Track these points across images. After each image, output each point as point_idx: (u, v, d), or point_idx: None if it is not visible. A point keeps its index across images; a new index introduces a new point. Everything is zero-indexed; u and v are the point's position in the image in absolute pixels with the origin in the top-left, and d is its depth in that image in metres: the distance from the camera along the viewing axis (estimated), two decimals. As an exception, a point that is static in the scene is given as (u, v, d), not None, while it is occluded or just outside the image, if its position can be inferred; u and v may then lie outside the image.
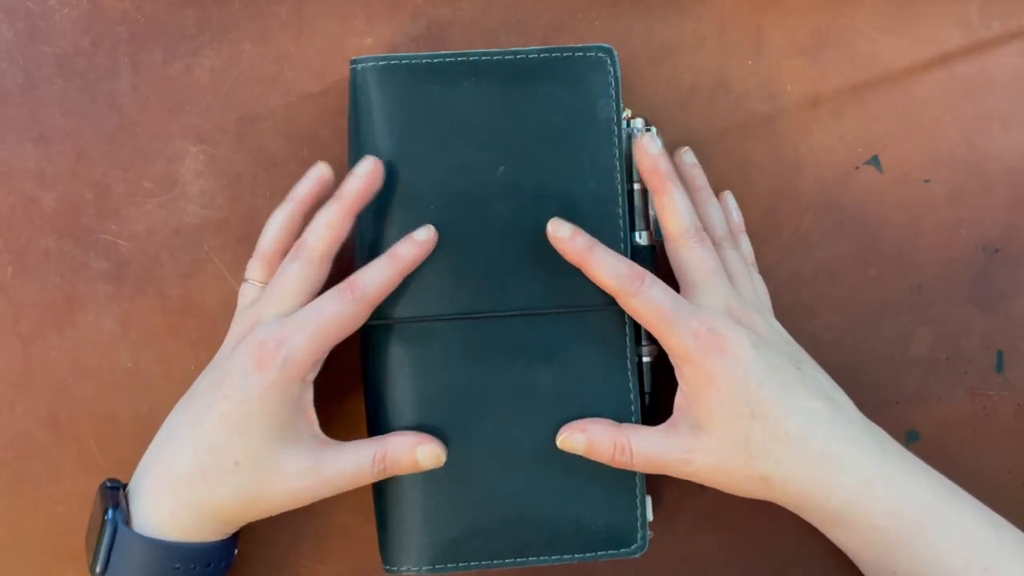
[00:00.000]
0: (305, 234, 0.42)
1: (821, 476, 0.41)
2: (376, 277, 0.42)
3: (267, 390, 0.40)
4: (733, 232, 0.47)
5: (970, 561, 0.40)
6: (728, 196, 0.48)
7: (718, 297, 0.42)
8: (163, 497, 0.41)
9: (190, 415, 0.42)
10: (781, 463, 0.41)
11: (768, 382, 0.41)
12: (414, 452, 0.42)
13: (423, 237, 0.43)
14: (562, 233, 0.42)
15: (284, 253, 0.43)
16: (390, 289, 0.42)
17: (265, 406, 0.40)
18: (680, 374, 0.42)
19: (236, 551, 0.44)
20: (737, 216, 0.48)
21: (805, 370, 0.42)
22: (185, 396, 0.43)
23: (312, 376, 0.42)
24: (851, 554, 0.44)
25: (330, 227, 0.42)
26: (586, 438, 0.43)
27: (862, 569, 0.45)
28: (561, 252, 0.43)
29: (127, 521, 0.41)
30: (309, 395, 0.42)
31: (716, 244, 0.45)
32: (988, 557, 0.41)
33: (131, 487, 0.42)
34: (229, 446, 0.40)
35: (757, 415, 0.40)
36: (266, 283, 0.44)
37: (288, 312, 0.41)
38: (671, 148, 0.48)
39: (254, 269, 0.44)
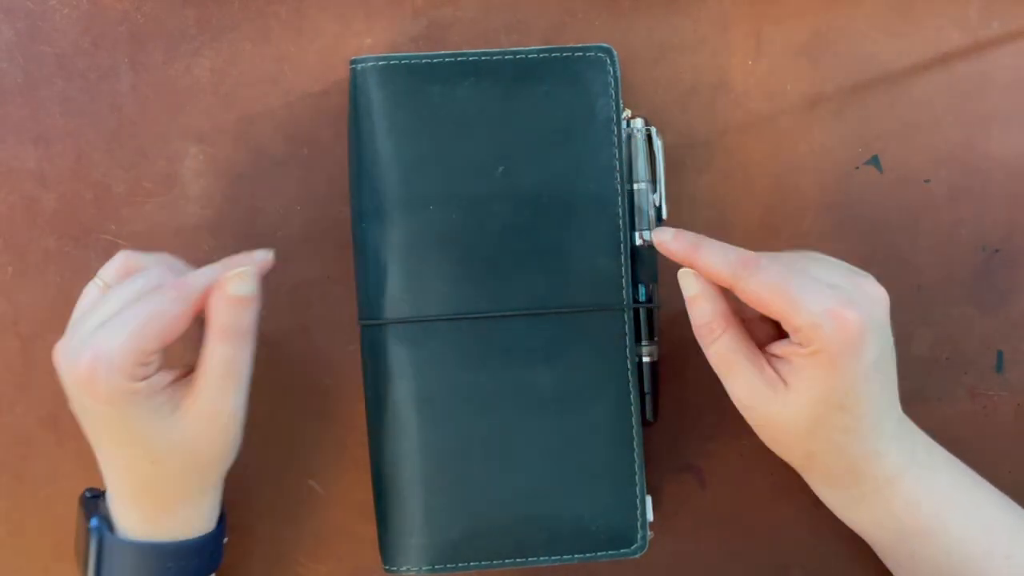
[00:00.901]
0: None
1: (858, 468, 0.41)
2: (204, 276, 0.39)
3: (109, 407, 0.38)
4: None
5: (991, 549, 0.41)
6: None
7: (827, 274, 0.40)
8: (131, 509, 0.41)
9: (105, 454, 0.41)
10: (833, 448, 0.40)
11: (873, 378, 0.39)
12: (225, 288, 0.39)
13: (260, 257, 0.41)
14: (667, 236, 0.41)
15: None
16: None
17: (124, 416, 0.38)
18: (800, 339, 0.39)
19: (225, 539, 0.44)
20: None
21: (893, 353, 0.41)
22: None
23: (146, 368, 0.38)
24: (866, 536, 0.45)
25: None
26: (698, 290, 0.41)
27: (875, 550, 0.45)
28: (670, 256, 0.41)
29: (111, 528, 0.41)
30: (148, 372, 0.39)
31: None
32: (1009, 545, 0.41)
33: (109, 493, 0.42)
34: (136, 458, 0.40)
35: (845, 406, 0.39)
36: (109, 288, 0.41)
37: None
38: (671, 148, 0.48)
39: (111, 268, 0.41)
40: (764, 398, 0.40)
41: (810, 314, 0.38)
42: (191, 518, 0.42)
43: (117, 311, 0.38)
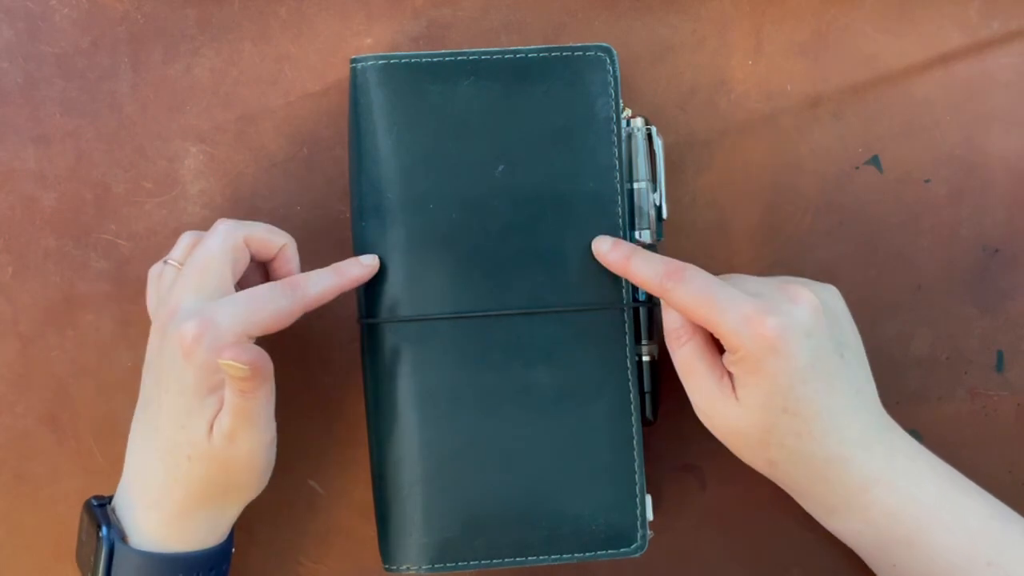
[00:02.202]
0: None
1: (824, 475, 0.41)
2: (318, 283, 0.42)
3: (200, 373, 0.39)
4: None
5: (973, 558, 0.41)
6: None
7: (754, 284, 0.42)
8: (150, 513, 0.41)
9: (147, 423, 0.41)
10: (791, 456, 0.41)
11: (810, 380, 0.40)
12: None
13: (368, 262, 0.43)
14: (604, 247, 0.43)
15: None
16: (328, 298, 0.42)
17: (201, 391, 0.39)
18: (727, 347, 0.41)
19: (232, 550, 0.44)
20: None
21: (847, 357, 0.42)
22: (138, 403, 0.43)
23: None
24: (848, 543, 0.45)
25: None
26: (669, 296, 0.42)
27: (861, 557, 0.45)
28: (606, 266, 0.43)
29: (123, 538, 0.41)
30: None
31: None
32: (992, 552, 0.41)
33: (116, 502, 0.42)
34: (178, 443, 0.40)
35: (789, 410, 0.40)
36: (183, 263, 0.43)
37: (209, 293, 0.40)
38: (671, 148, 0.48)
39: (181, 248, 0.43)
40: (720, 406, 0.41)
41: (730, 321, 0.39)
42: (206, 530, 0.42)
43: (215, 288, 0.40)
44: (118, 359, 0.48)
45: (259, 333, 0.40)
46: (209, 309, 0.39)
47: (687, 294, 0.40)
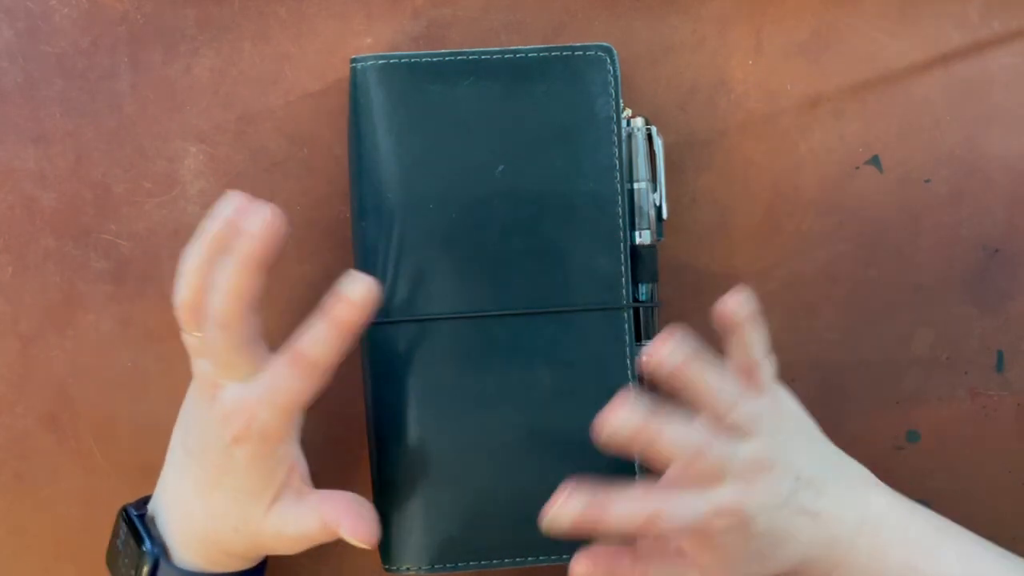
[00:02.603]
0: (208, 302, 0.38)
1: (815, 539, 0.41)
2: (319, 344, 0.38)
3: (251, 461, 0.40)
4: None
5: None
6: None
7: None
8: (189, 546, 0.42)
9: (191, 478, 0.41)
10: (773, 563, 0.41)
11: (766, 537, 0.40)
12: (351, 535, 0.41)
13: (357, 296, 0.38)
14: (629, 417, 0.39)
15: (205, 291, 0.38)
16: (338, 352, 0.38)
17: (251, 474, 0.40)
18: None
19: (266, 568, 0.46)
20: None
21: (800, 483, 0.40)
22: (185, 446, 0.42)
23: (296, 432, 0.42)
24: None
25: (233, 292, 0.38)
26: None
27: None
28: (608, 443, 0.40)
29: (166, 554, 0.41)
30: (292, 449, 0.42)
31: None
32: None
33: (154, 510, 0.43)
34: (227, 515, 0.41)
35: (755, 560, 0.40)
36: (199, 335, 0.39)
37: (241, 373, 0.39)
38: (671, 148, 0.48)
39: (183, 322, 0.39)
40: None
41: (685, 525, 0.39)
42: (244, 564, 0.43)
43: (243, 366, 0.39)
44: (118, 359, 0.48)
45: (298, 412, 0.40)
46: (249, 404, 0.39)
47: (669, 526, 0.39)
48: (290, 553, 0.43)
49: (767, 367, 0.41)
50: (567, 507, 0.38)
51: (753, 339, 0.41)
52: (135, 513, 0.43)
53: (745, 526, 0.39)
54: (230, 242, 0.37)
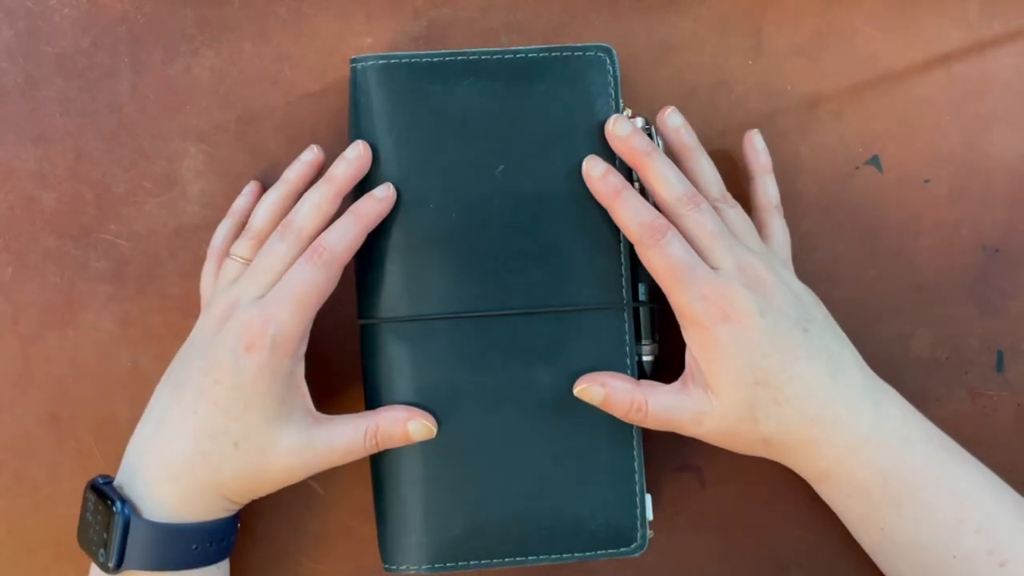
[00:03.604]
0: (292, 214, 0.43)
1: (812, 438, 0.42)
2: (342, 236, 0.42)
3: (259, 371, 0.40)
4: (757, 173, 0.47)
5: (961, 522, 0.41)
6: (754, 136, 0.47)
7: (727, 259, 0.42)
8: (165, 485, 0.41)
9: (182, 404, 0.42)
10: (779, 425, 0.41)
11: (772, 351, 0.41)
12: (405, 426, 0.43)
13: (382, 194, 0.43)
14: (595, 172, 0.43)
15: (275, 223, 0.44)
16: (356, 246, 0.43)
17: (259, 386, 0.41)
18: (688, 335, 0.42)
19: (239, 525, 0.45)
20: (764, 158, 0.47)
21: (812, 331, 0.42)
22: (169, 382, 0.43)
23: (302, 350, 0.42)
24: (836, 510, 0.45)
25: (318, 207, 0.43)
26: (605, 392, 0.43)
27: (847, 526, 0.45)
28: (592, 191, 0.43)
29: (136, 511, 0.41)
30: (300, 369, 0.42)
31: (713, 204, 0.44)
32: (981, 519, 0.41)
33: (123, 480, 0.42)
34: (227, 431, 0.41)
35: (760, 382, 0.41)
36: (250, 261, 0.44)
37: (274, 279, 0.42)
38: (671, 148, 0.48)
39: (242, 246, 0.45)
40: (702, 410, 0.42)
41: (687, 295, 0.41)
42: (218, 509, 0.43)
43: (270, 282, 0.42)
44: (118, 359, 0.48)
45: (313, 315, 0.42)
46: (270, 306, 0.41)
47: (660, 258, 0.41)
48: (298, 477, 0.42)
49: (778, 213, 0.47)
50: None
51: (768, 184, 0.47)
52: (102, 481, 0.42)
53: (744, 317, 0.40)
54: (310, 180, 0.45)
